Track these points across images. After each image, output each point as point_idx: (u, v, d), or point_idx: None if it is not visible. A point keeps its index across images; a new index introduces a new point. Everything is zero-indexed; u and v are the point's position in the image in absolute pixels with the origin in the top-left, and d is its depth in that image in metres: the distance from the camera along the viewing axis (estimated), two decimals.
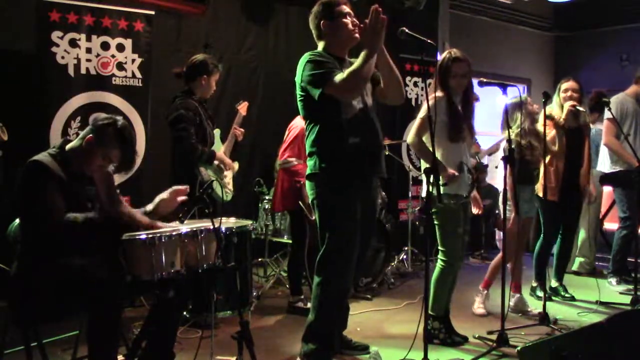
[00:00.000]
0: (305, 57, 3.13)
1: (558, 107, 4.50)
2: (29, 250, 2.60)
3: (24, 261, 2.59)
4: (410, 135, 3.61)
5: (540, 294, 4.69)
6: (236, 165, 4.44)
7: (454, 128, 3.54)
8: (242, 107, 4.54)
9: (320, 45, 3.24)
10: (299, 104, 3.19)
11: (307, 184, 3.22)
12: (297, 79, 3.15)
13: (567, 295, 4.76)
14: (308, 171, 3.19)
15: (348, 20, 3.17)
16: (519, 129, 4.09)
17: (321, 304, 3.15)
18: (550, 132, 4.37)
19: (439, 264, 3.67)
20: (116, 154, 2.67)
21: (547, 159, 4.45)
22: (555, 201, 4.51)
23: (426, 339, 2.99)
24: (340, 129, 3.07)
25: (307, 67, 3.07)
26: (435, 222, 3.61)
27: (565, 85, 4.51)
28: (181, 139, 3.86)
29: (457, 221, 3.60)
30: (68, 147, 2.68)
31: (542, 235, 4.70)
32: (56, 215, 2.50)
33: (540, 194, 4.51)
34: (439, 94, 3.54)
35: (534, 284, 4.81)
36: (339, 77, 2.96)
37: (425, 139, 3.47)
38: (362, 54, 2.94)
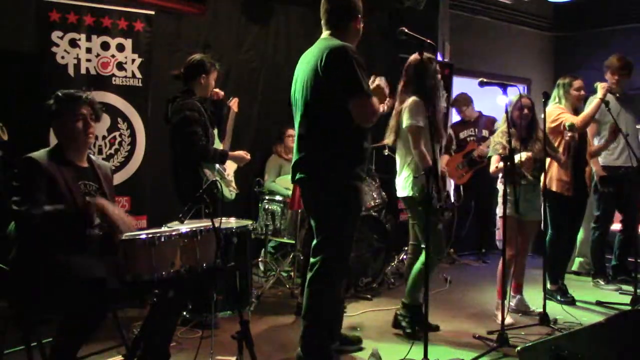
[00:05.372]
0: (342, 47, 2.96)
1: (567, 103, 4.56)
2: (24, 247, 2.63)
3: (20, 258, 2.63)
4: (415, 150, 3.64)
5: (560, 297, 4.64)
6: (248, 156, 4.39)
7: (436, 129, 3.62)
8: (233, 104, 4.55)
9: (326, 34, 3.17)
10: (316, 93, 3.03)
11: (308, 188, 3.18)
12: (321, 65, 2.96)
13: (567, 295, 4.73)
14: (307, 174, 3.11)
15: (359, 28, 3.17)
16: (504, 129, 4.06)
17: (322, 308, 3.16)
18: (559, 138, 4.42)
19: (424, 259, 3.60)
20: (77, 106, 2.81)
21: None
22: (570, 197, 4.54)
23: (426, 338, 3.00)
24: (359, 134, 3.08)
25: (348, 62, 2.92)
26: (418, 219, 3.73)
27: (577, 83, 4.59)
28: (192, 142, 3.84)
29: (438, 217, 3.71)
30: (54, 146, 2.84)
31: (550, 234, 4.64)
32: (32, 207, 2.57)
33: (554, 188, 4.52)
34: (417, 97, 3.64)
35: (551, 288, 4.67)
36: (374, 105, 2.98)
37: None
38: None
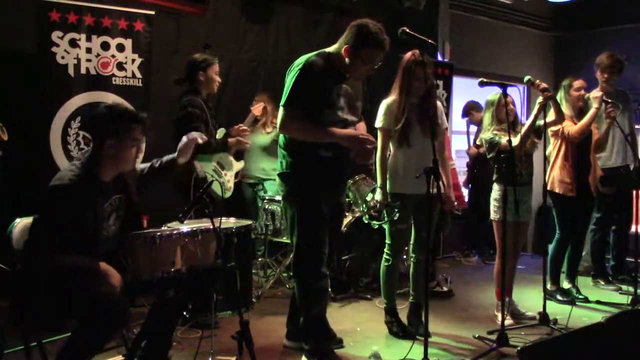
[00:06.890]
0: (303, 60, 3.08)
1: (568, 105, 4.54)
2: (35, 252, 2.58)
3: (30, 263, 2.57)
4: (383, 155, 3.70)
5: (560, 297, 4.65)
6: (241, 164, 4.46)
7: (402, 132, 3.62)
8: (255, 108, 4.58)
9: (336, 47, 3.15)
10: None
11: (278, 181, 3.28)
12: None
13: (580, 296, 4.71)
14: (280, 169, 3.25)
15: (366, 66, 3.09)
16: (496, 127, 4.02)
17: (305, 300, 3.22)
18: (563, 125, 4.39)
19: (383, 258, 3.84)
20: (137, 130, 2.61)
21: (554, 155, 4.51)
22: (574, 197, 4.52)
23: (426, 338, 3.00)
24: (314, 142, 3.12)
25: (295, 73, 3.05)
26: (385, 219, 3.76)
27: (577, 84, 4.59)
28: None
29: (400, 219, 3.67)
30: (89, 159, 2.61)
31: (558, 235, 4.64)
32: (45, 251, 2.45)
33: (557, 190, 4.51)
34: (394, 97, 3.65)
35: (552, 288, 4.65)
36: (298, 119, 3.02)
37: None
38: (329, 134, 3.04)
